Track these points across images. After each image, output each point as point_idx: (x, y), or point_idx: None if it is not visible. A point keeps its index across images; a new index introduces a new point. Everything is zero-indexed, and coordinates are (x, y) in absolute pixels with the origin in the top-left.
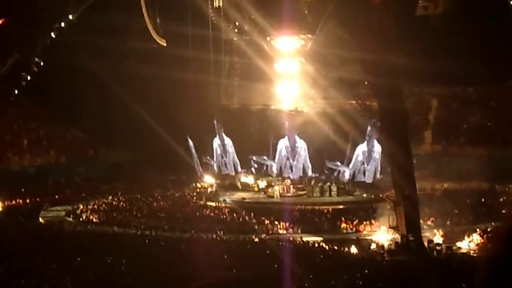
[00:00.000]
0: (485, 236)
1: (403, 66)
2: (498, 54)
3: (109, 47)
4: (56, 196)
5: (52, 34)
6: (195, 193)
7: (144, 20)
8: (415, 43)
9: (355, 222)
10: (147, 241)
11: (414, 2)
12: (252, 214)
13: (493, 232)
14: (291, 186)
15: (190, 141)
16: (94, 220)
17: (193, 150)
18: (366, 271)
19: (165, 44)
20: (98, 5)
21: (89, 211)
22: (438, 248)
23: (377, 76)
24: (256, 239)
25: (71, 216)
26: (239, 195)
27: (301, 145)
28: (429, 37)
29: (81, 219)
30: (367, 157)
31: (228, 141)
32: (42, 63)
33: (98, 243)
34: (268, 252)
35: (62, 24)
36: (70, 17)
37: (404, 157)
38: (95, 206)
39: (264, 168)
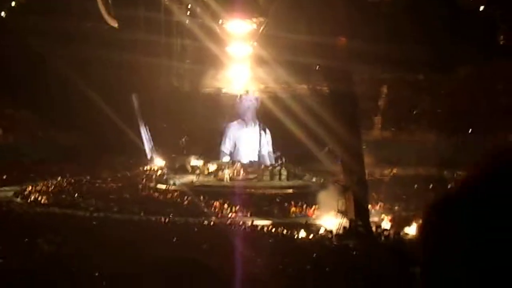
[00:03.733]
0: None
1: (354, 51)
2: (448, 41)
3: (60, 28)
4: (4, 177)
5: (2, 14)
6: (144, 176)
7: (96, 1)
8: (366, 28)
9: (304, 206)
10: (94, 223)
11: None
12: (201, 197)
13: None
14: (241, 170)
15: (143, 124)
16: (42, 201)
17: (146, 133)
18: (314, 255)
19: (116, 25)
20: None
21: (37, 193)
22: (386, 233)
23: (328, 60)
24: (205, 222)
25: (19, 197)
26: (188, 178)
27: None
28: (381, 23)
29: (29, 200)
30: None
31: None
32: None
33: (46, 224)
34: (217, 235)
35: (12, 4)
36: None
37: (354, 142)
38: (44, 188)
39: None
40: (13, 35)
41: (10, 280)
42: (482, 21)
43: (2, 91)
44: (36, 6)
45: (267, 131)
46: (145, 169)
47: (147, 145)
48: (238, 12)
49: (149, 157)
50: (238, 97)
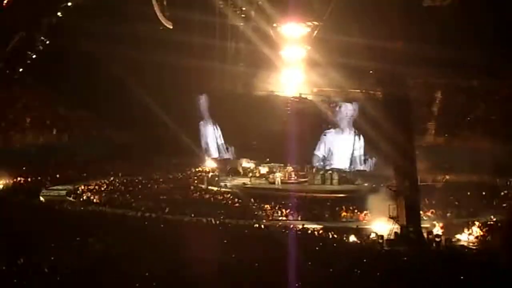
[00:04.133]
0: (484, 229)
1: (409, 55)
2: (503, 46)
3: (115, 29)
4: (58, 176)
5: (59, 14)
6: (196, 177)
7: (151, 3)
8: (421, 33)
9: (355, 211)
10: (146, 223)
11: None
12: (252, 199)
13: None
14: (293, 173)
15: (201, 125)
16: (94, 200)
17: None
18: (364, 260)
19: (171, 27)
20: None
21: (90, 192)
22: (437, 239)
23: (382, 64)
24: (256, 225)
25: (72, 196)
26: (240, 180)
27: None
28: (435, 28)
29: (81, 199)
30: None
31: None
32: (47, 42)
33: (98, 224)
34: (268, 238)
35: (69, 4)
36: None
37: (407, 147)
38: (96, 187)
39: None
40: (69, 36)
41: (63, 278)
42: None
43: (56, 91)
44: (92, 8)
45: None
46: (197, 169)
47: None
48: (292, 16)
49: (202, 158)
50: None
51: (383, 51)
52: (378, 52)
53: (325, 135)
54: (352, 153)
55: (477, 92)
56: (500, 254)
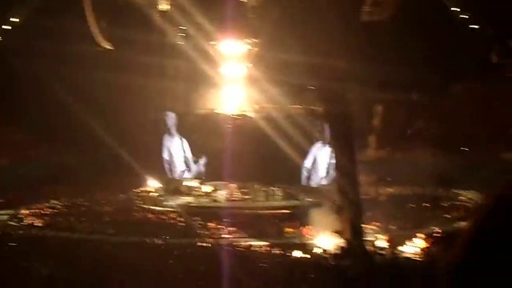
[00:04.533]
0: (428, 240)
1: (348, 71)
2: (442, 60)
3: (52, 49)
4: None
5: None
6: (139, 197)
7: (89, 23)
8: (360, 48)
9: (300, 227)
10: (90, 245)
11: (358, 7)
12: (196, 218)
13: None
14: (236, 190)
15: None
16: (37, 224)
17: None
18: (311, 275)
19: (110, 48)
20: (42, 8)
21: (32, 216)
22: (381, 252)
23: (322, 80)
24: (201, 244)
25: (14, 220)
26: (184, 199)
27: None
28: (374, 43)
29: (24, 223)
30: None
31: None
32: None
33: (42, 248)
34: (212, 256)
35: (7, 27)
36: (16, 19)
37: (349, 162)
38: (39, 210)
39: None
40: (7, 58)
41: None
42: (476, 40)
43: None
44: (31, 28)
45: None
46: (140, 190)
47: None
48: (231, 33)
49: (143, 178)
50: (232, 117)
51: (322, 67)
52: (318, 68)
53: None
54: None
55: (417, 106)
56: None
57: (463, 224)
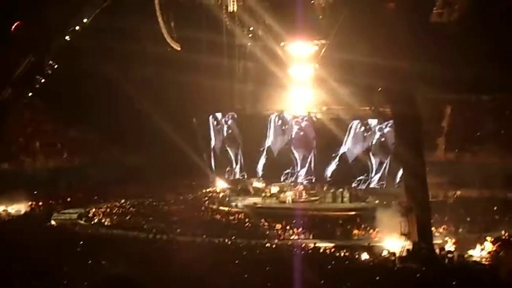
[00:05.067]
0: (496, 244)
1: (417, 72)
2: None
3: (123, 50)
4: (69, 199)
5: (67, 37)
6: (207, 198)
7: (159, 24)
8: (428, 50)
9: (367, 229)
10: (157, 244)
11: (428, 8)
12: (263, 219)
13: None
14: (303, 192)
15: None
16: (106, 223)
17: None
18: (377, 278)
19: (179, 48)
20: (112, 9)
21: (101, 214)
22: (449, 255)
23: (390, 82)
24: (268, 244)
25: (83, 219)
26: (251, 200)
27: None
28: (444, 44)
29: (93, 222)
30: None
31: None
32: (56, 66)
33: (110, 246)
34: (279, 257)
35: (77, 27)
36: (85, 20)
37: (417, 164)
38: (108, 209)
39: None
40: (78, 59)
41: None
42: None
43: (66, 114)
44: (100, 29)
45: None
46: (208, 190)
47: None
48: (300, 34)
49: (211, 179)
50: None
51: (391, 68)
52: (386, 70)
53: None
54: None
55: (487, 107)
56: None
57: None
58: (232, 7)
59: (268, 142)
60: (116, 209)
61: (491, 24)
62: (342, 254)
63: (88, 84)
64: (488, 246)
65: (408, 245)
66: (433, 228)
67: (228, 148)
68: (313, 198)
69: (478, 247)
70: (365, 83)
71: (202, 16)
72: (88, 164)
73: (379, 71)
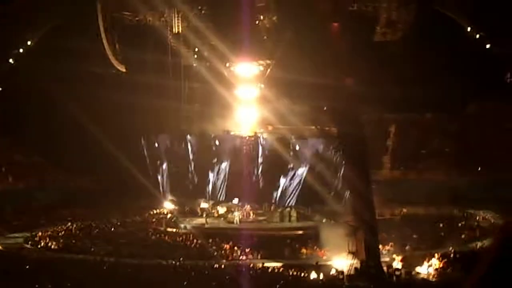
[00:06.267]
0: (443, 261)
1: (362, 92)
2: (456, 80)
3: (70, 72)
4: (15, 223)
5: (10, 60)
6: (154, 219)
7: (103, 45)
8: (374, 69)
9: (314, 247)
10: (105, 267)
11: (372, 28)
12: (211, 240)
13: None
14: (251, 212)
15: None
16: (53, 247)
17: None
18: None
19: (124, 70)
20: (56, 31)
21: (48, 238)
22: (397, 273)
23: (335, 101)
24: (216, 265)
25: (30, 243)
26: (199, 221)
27: None
28: (388, 63)
29: (39, 245)
30: None
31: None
32: (0, 89)
33: (57, 270)
34: (228, 277)
35: (21, 50)
36: (29, 42)
37: (363, 182)
38: (54, 233)
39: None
40: (22, 80)
41: None
42: (491, 60)
43: (11, 137)
44: (45, 51)
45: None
46: (155, 211)
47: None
48: (245, 55)
49: (160, 199)
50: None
51: (335, 88)
52: (330, 89)
53: None
54: None
55: (431, 125)
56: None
57: (479, 244)
58: (177, 28)
59: (215, 162)
60: (63, 232)
61: (438, 43)
62: (291, 273)
63: (33, 106)
64: (435, 262)
65: (356, 263)
66: (380, 246)
67: (176, 169)
68: (260, 218)
69: (425, 264)
70: (310, 103)
71: (147, 37)
72: (34, 187)
73: (324, 91)
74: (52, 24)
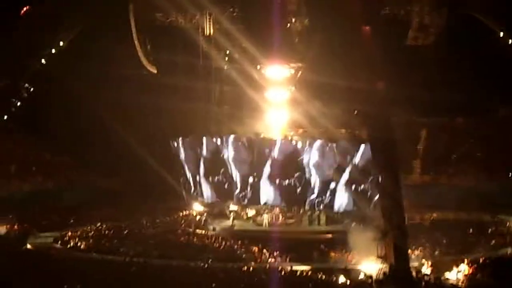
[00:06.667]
0: (473, 266)
1: (392, 96)
2: (486, 84)
3: (99, 73)
4: (44, 222)
5: (43, 60)
6: (184, 221)
7: (135, 47)
8: (405, 72)
9: (343, 251)
10: (134, 268)
11: (404, 31)
12: (240, 242)
13: None
14: (280, 215)
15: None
16: (82, 247)
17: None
18: None
19: (155, 71)
20: (89, 32)
21: (77, 238)
22: (426, 278)
23: (366, 105)
24: (245, 268)
25: (59, 242)
26: (228, 223)
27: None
28: (419, 66)
29: (69, 245)
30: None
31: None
32: (31, 89)
33: (86, 270)
34: (256, 280)
35: (53, 50)
36: (61, 43)
37: (393, 186)
38: (83, 233)
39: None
40: (54, 81)
41: None
42: None
43: (41, 137)
44: (76, 52)
45: None
46: (184, 213)
47: (188, 191)
48: (276, 58)
49: (187, 201)
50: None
51: (366, 92)
52: (361, 93)
53: None
54: None
55: (461, 129)
56: None
57: (509, 250)
58: (208, 30)
59: (246, 165)
60: (92, 232)
61: (468, 47)
62: (319, 277)
63: (64, 107)
64: (465, 268)
65: (384, 268)
66: (409, 251)
67: (206, 171)
68: (289, 221)
69: (455, 269)
70: (341, 106)
71: (178, 39)
72: (63, 187)
73: (355, 94)
74: (84, 24)
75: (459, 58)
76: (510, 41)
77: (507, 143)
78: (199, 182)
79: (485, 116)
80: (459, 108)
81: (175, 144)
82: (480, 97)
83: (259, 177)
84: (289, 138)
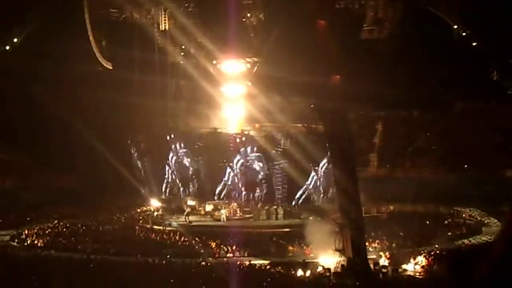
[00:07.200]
0: (430, 258)
1: (349, 90)
2: (443, 78)
3: (54, 71)
4: (0, 221)
5: None
6: (141, 217)
7: (90, 43)
8: (360, 68)
9: (301, 245)
10: (91, 265)
11: (359, 25)
12: (198, 237)
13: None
14: (238, 209)
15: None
16: (39, 244)
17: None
18: None
19: (111, 67)
20: (43, 29)
21: (34, 236)
22: (384, 270)
23: (322, 99)
24: (203, 263)
25: (16, 240)
26: (185, 218)
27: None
28: (374, 62)
29: (26, 243)
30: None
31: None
32: None
33: (43, 268)
34: (214, 275)
35: (7, 47)
36: (15, 40)
37: (350, 180)
38: (40, 231)
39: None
40: (6, 78)
41: None
42: (477, 58)
43: None
44: (30, 49)
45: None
46: (141, 209)
47: (144, 186)
48: (232, 52)
49: (145, 197)
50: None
51: (322, 86)
52: (317, 87)
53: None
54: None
55: (418, 123)
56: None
57: (465, 241)
58: (164, 25)
59: (203, 160)
60: (49, 230)
61: (420, 42)
62: (278, 271)
63: (18, 106)
64: (422, 260)
65: (342, 260)
66: (367, 244)
67: (163, 167)
68: (247, 216)
69: (412, 261)
70: (297, 100)
71: (134, 35)
72: (20, 186)
73: (311, 88)
74: (39, 21)
75: (416, 52)
76: (464, 34)
77: (463, 136)
78: (155, 178)
79: (442, 110)
80: (415, 102)
81: (130, 140)
82: (436, 91)
83: (214, 171)
84: (246, 132)
